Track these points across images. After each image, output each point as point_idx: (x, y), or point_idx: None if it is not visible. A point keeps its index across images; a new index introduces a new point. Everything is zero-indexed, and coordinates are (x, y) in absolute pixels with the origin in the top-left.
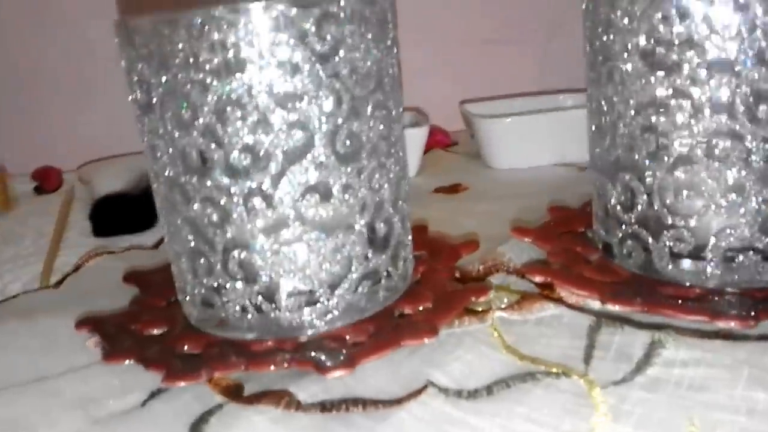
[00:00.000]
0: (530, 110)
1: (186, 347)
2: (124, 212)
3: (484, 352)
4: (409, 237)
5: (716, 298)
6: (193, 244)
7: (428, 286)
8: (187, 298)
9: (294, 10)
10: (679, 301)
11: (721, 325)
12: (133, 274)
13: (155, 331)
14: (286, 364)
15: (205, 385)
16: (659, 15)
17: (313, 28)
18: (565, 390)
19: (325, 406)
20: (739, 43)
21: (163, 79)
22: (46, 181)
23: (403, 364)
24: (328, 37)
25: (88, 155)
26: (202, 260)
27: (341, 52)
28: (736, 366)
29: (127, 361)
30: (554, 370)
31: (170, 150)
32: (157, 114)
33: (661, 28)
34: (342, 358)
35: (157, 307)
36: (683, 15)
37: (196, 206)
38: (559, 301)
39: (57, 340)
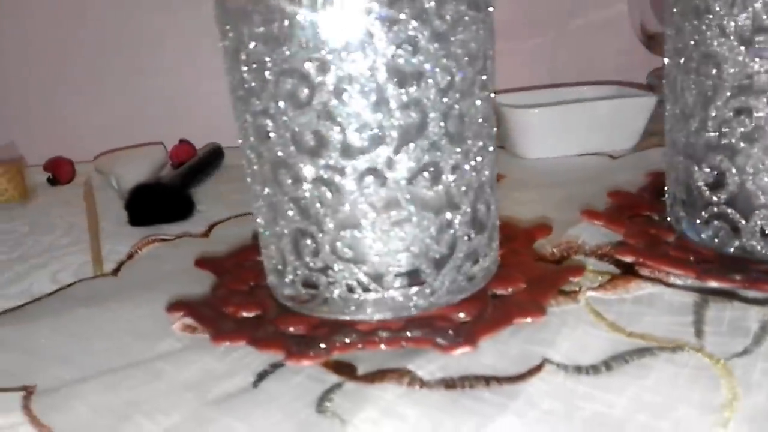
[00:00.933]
0: (553, 101)
1: (293, 328)
2: (162, 201)
3: (588, 330)
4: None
5: None
6: (299, 225)
7: (516, 269)
8: (287, 280)
9: None
10: None
11: None
12: (205, 260)
13: (248, 314)
14: (404, 343)
15: (315, 366)
16: (760, 2)
17: (434, 6)
18: (686, 364)
19: (448, 384)
20: None
21: (281, 58)
22: (60, 172)
23: (509, 344)
24: (447, 16)
25: (94, 146)
26: (308, 241)
27: (457, 32)
28: None
29: (229, 343)
30: (668, 345)
31: (281, 130)
32: (270, 94)
33: (763, 15)
34: (460, 335)
35: (241, 291)
36: None
37: (306, 186)
38: (657, 280)
39: (138, 325)
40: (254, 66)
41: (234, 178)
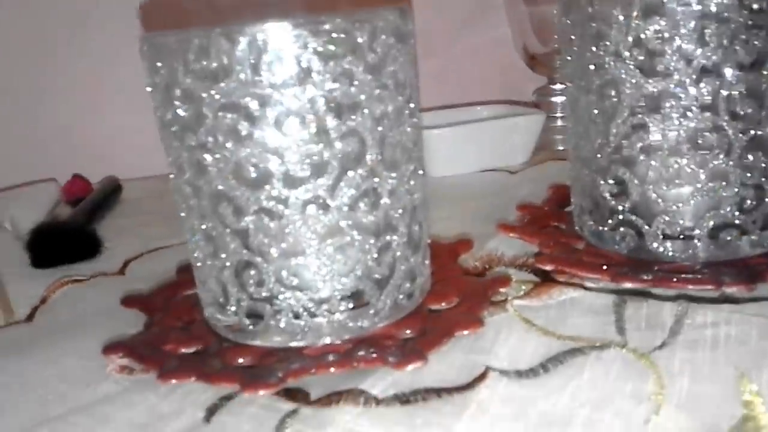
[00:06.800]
0: (448, 121)
1: (242, 359)
2: (66, 241)
3: (522, 336)
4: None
5: (708, 271)
6: (243, 256)
7: (446, 283)
8: (229, 312)
9: (349, 24)
10: (682, 275)
11: (727, 291)
12: (133, 298)
13: (187, 350)
14: (356, 363)
15: (266, 396)
16: (653, 29)
17: (366, 41)
18: (614, 360)
19: (402, 399)
20: (722, 53)
21: (219, 93)
22: None
23: (452, 355)
24: (378, 50)
25: None
26: (252, 272)
27: (387, 63)
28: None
29: (177, 380)
30: (596, 343)
31: (221, 164)
32: (209, 128)
33: (654, 41)
34: (409, 351)
35: (176, 327)
36: (674, 30)
37: (249, 218)
38: (576, 285)
39: (69, 371)
40: (189, 101)
41: (135, 212)
